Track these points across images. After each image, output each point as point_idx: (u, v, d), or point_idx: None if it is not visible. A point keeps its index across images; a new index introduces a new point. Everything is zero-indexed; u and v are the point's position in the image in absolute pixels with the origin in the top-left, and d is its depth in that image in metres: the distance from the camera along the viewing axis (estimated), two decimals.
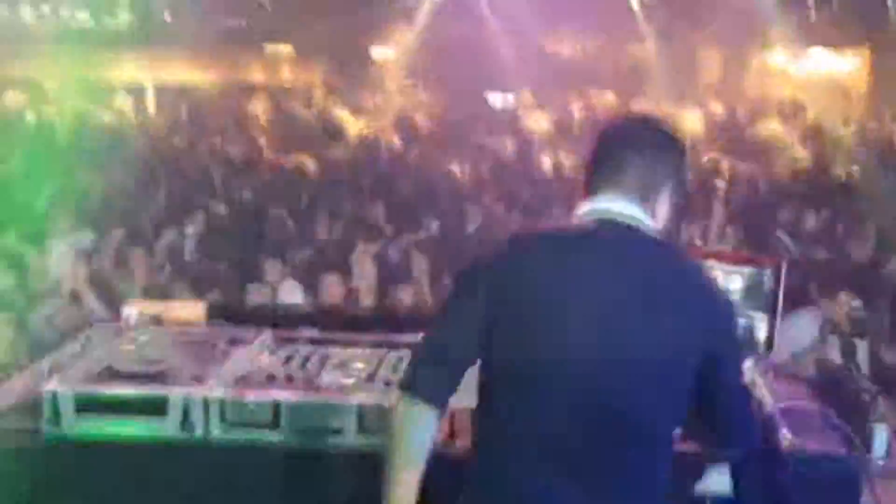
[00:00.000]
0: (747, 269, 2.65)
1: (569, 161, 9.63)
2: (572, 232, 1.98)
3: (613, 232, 1.94)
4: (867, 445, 2.59)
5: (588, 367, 1.84)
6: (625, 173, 1.97)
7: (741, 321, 2.47)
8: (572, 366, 1.85)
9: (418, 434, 1.86)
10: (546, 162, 9.96)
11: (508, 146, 10.46)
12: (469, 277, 1.97)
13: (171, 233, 6.51)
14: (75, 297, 5.16)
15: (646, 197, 1.97)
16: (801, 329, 5.24)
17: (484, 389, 1.93)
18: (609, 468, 1.87)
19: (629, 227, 1.95)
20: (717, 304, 2.00)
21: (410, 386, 1.89)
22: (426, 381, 1.89)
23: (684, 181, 2.06)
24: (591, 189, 2.00)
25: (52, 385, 2.60)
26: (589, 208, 1.98)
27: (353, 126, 11.81)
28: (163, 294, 5.18)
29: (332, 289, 5.29)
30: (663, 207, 2.01)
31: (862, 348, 5.25)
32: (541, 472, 1.84)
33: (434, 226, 6.89)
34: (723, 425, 2.03)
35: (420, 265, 6.03)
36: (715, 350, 1.91)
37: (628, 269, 1.90)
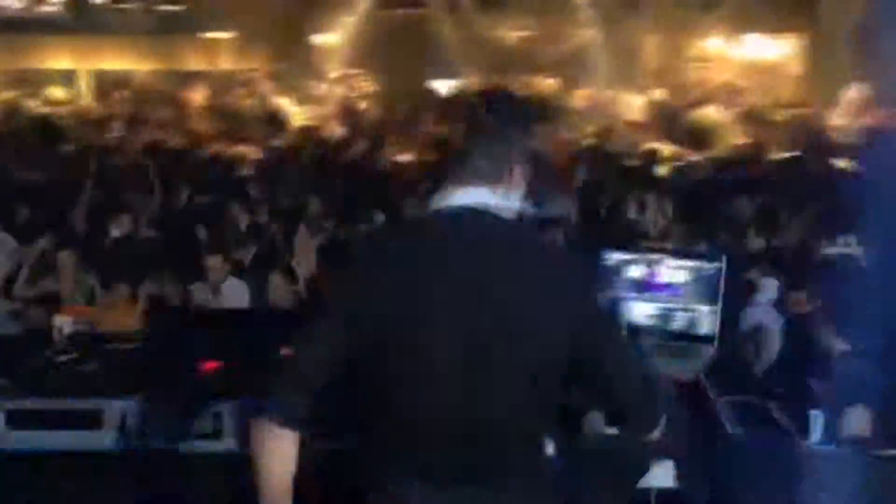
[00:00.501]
0: (691, 263, 2.67)
1: None
2: (427, 230, 1.90)
3: (470, 224, 1.86)
4: (805, 431, 2.64)
5: (454, 371, 1.80)
6: (475, 159, 1.88)
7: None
8: (438, 375, 1.81)
9: (274, 459, 1.86)
10: None
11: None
12: (331, 295, 1.93)
13: (104, 229, 6.32)
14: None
15: (499, 179, 1.89)
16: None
17: (360, 404, 1.89)
18: (493, 472, 1.84)
19: (485, 216, 1.87)
20: (581, 285, 1.92)
21: (265, 409, 1.86)
22: (280, 405, 1.85)
23: (537, 151, 2.01)
24: (445, 178, 1.92)
25: None
26: (444, 201, 1.89)
27: (296, 115, 11.68)
28: (94, 297, 4.99)
29: (277, 287, 5.19)
30: (519, 185, 1.94)
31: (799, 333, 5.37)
32: (423, 488, 1.83)
33: (379, 219, 6.81)
34: (619, 407, 1.98)
35: None
36: (587, 330, 1.86)
37: (487, 261, 1.82)
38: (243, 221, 6.81)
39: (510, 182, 1.91)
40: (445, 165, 1.93)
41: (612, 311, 2.03)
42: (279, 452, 1.85)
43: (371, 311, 1.82)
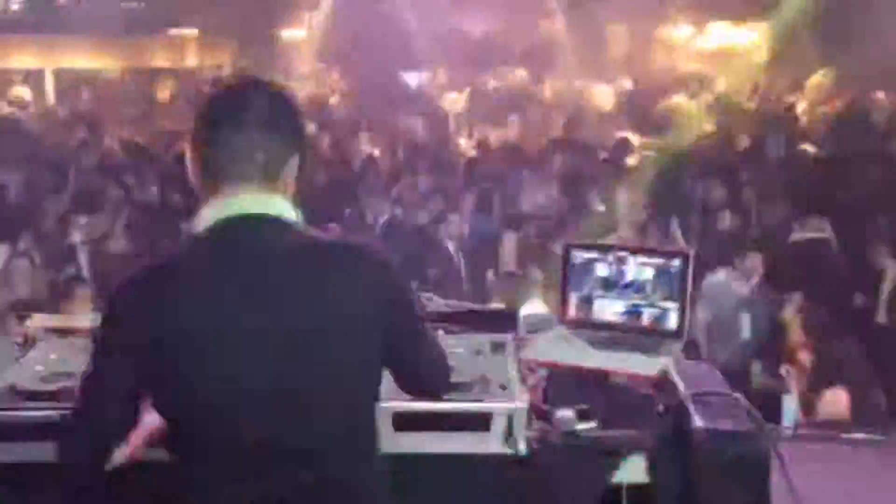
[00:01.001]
0: (656, 259, 2.71)
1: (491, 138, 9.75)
2: (198, 251, 1.72)
3: (246, 234, 1.70)
4: (777, 416, 2.70)
5: (247, 401, 1.67)
6: (241, 160, 1.70)
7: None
8: (227, 407, 1.67)
9: None
10: (463, 142, 10.02)
11: (423, 127, 10.46)
12: (104, 336, 1.74)
13: (75, 232, 6.28)
14: None
15: (272, 180, 1.74)
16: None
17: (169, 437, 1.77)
18: (315, 480, 1.73)
19: (262, 223, 1.71)
20: (384, 281, 1.78)
21: (60, 458, 1.77)
22: (72, 453, 1.77)
23: (307, 143, 1.84)
24: (212, 185, 1.73)
25: None
26: (214, 211, 1.72)
27: None
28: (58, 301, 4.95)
29: None
30: (292, 182, 1.79)
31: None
32: None
33: (347, 214, 6.83)
34: (410, 375, 1.96)
35: None
36: (391, 317, 1.77)
37: (268, 275, 1.67)
38: None
39: (285, 181, 1.77)
40: (208, 169, 1.74)
41: (413, 300, 1.92)
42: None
43: (152, 338, 1.66)
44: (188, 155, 1.79)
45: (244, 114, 1.71)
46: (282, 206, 1.75)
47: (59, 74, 13.08)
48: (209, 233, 1.72)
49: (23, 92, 11.98)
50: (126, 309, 1.72)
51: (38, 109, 11.45)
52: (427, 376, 2.01)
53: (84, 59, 13.25)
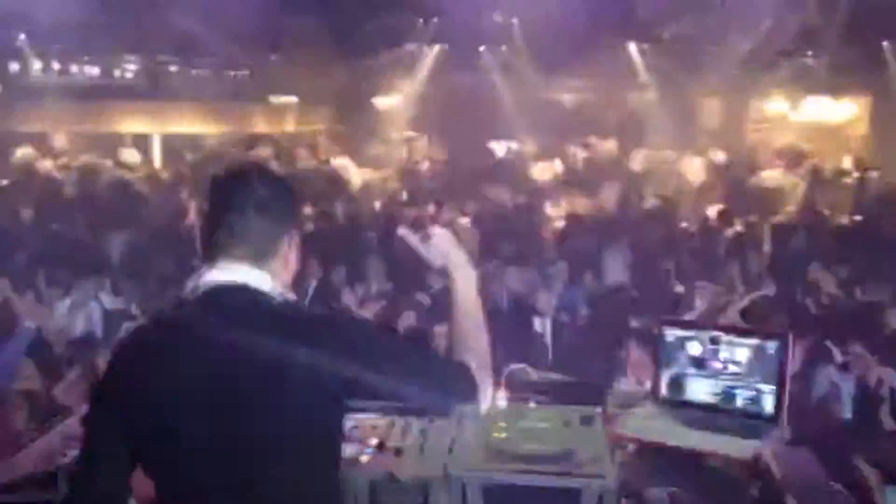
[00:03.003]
0: (752, 340, 2.66)
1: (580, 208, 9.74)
2: (180, 316, 1.88)
3: (228, 303, 1.84)
4: None
5: (216, 459, 1.79)
6: (235, 237, 1.88)
7: None
8: (199, 463, 1.80)
9: None
10: (551, 212, 10.03)
11: (510, 195, 10.52)
12: (96, 407, 1.91)
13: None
14: None
15: (262, 256, 1.89)
16: None
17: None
18: None
19: (246, 294, 1.85)
20: (339, 339, 1.85)
21: None
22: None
23: (299, 226, 1.97)
24: (207, 256, 1.90)
25: None
26: (204, 278, 1.88)
27: (357, 175, 11.92)
28: None
29: None
30: (283, 261, 1.93)
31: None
32: None
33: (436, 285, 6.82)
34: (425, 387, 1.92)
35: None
36: (358, 372, 1.82)
37: (240, 341, 1.79)
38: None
39: (273, 259, 1.90)
40: (206, 242, 1.91)
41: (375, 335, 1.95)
42: None
43: (133, 402, 1.82)
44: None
45: (243, 198, 1.89)
46: (261, 279, 1.88)
47: (165, 139, 13.75)
48: (190, 298, 1.88)
49: (131, 155, 12.62)
50: (112, 368, 1.90)
51: (144, 172, 12.00)
52: (440, 380, 1.93)
53: (189, 124, 13.93)
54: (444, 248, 2.11)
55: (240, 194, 1.89)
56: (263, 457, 1.79)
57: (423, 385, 1.90)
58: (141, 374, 1.83)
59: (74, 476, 1.93)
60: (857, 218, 9.21)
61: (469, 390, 1.94)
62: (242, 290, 1.86)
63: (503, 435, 2.68)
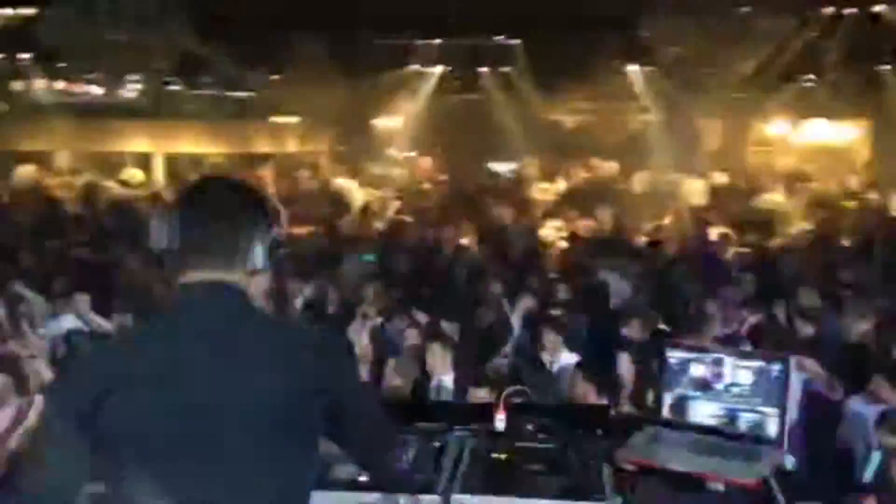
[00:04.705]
0: (755, 363, 2.65)
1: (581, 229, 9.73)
2: (157, 320, 1.93)
3: (203, 308, 1.88)
4: None
5: (186, 461, 1.79)
6: (209, 244, 1.89)
7: None
8: (168, 465, 1.78)
9: None
10: (551, 232, 10.02)
11: (511, 216, 10.51)
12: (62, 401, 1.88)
13: None
14: None
15: (234, 264, 1.90)
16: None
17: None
18: None
19: (222, 298, 1.88)
20: (321, 358, 1.91)
21: None
22: None
23: (275, 237, 1.96)
24: (181, 263, 1.91)
25: None
26: (182, 283, 1.90)
27: (358, 195, 11.93)
28: None
29: None
30: (257, 270, 1.93)
31: None
32: None
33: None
34: (364, 452, 2.08)
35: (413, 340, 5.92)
36: (334, 397, 1.88)
37: (215, 345, 1.83)
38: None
39: (244, 266, 1.91)
40: (180, 249, 1.91)
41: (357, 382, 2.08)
42: None
43: (105, 400, 1.79)
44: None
45: (205, 208, 1.91)
46: (235, 286, 1.89)
47: (168, 159, 13.78)
48: (170, 306, 1.92)
49: (135, 173, 12.65)
50: (84, 364, 1.93)
51: (146, 191, 12.01)
52: (365, 451, 2.08)
53: (192, 144, 13.97)
54: None
55: (213, 204, 1.92)
56: (235, 458, 1.79)
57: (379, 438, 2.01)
58: (115, 371, 1.82)
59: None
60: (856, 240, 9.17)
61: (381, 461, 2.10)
62: (219, 288, 1.88)
63: (503, 456, 2.66)
